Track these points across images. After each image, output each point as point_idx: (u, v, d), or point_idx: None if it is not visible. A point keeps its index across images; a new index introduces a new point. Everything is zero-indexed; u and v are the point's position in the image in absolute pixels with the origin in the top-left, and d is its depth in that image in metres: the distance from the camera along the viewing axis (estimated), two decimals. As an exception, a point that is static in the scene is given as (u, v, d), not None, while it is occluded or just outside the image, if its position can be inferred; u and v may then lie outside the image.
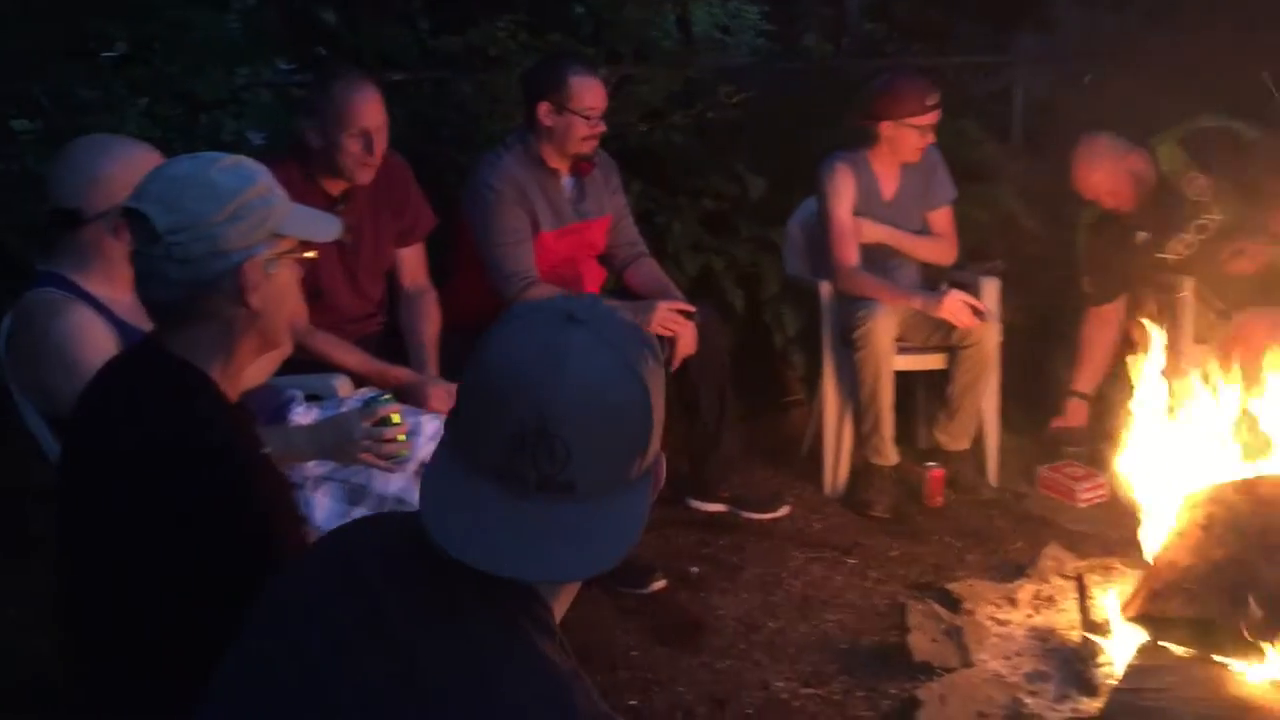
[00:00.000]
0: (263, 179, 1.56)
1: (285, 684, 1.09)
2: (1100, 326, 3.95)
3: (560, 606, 1.18)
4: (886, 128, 3.77)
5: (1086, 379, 3.97)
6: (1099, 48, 5.27)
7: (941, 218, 3.98)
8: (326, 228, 1.72)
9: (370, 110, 2.91)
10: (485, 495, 1.07)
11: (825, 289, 3.86)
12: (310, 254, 1.66)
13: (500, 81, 4.30)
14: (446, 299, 3.30)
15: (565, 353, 1.06)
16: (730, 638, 2.93)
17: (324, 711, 1.06)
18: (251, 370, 1.73)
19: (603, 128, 3.35)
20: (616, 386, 1.08)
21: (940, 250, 3.96)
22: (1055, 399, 4.02)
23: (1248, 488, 2.52)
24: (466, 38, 4.44)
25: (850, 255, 3.78)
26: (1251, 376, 3.04)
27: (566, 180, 3.46)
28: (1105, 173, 3.77)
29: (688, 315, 3.35)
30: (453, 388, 2.89)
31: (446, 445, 1.14)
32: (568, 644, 1.12)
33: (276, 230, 1.56)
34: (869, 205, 3.84)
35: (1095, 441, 3.72)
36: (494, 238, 3.31)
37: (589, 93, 3.26)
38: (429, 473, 1.13)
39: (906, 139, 3.77)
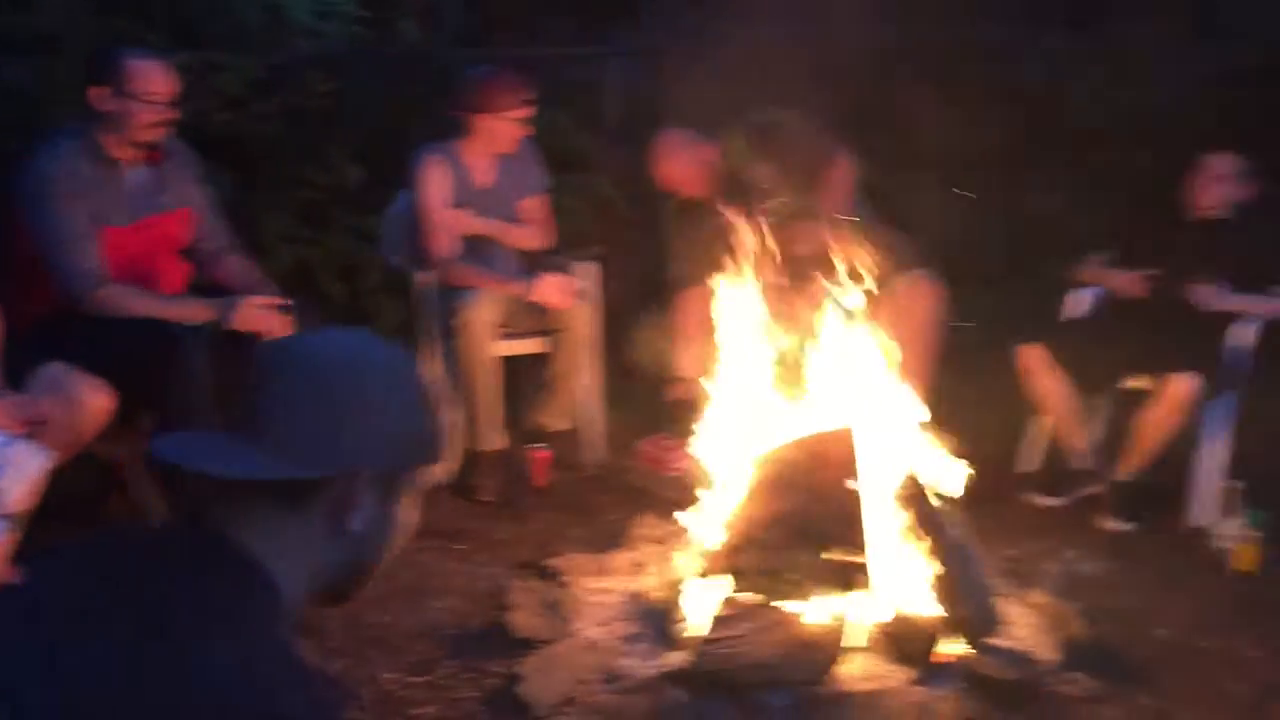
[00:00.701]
0: None
1: None
2: (690, 309, 4.19)
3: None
4: (482, 120, 3.81)
5: (687, 360, 4.20)
6: (683, 42, 5.60)
7: (534, 206, 4.08)
8: None
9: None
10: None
11: (422, 279, 3.86)
12: None
13: (60, 65, 3.94)
14: (4, 303, 2.99)
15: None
16: (340, 638, 2.87)
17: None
18: None
19: (172, 114, 3.15)
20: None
21: (534, 237, 4.07)
22: (659, 377, 4.22)
23: (802, 445, 2.78)
24: (21, 18, 4.04)
25: (444, 246, 3.80)
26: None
27: (137, 171, 3.23)
28: (679, 165, 4.02)
29: (284, 309, 3.23)
30: (22, 400, 2.65)
31: None
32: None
33: None
34: (464, 196, 3.88)
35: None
36: (54, 235, 3.03)
37: (150, 76, 3.05)
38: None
39: (502, 131, 3.83)
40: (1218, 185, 3.83)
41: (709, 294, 4.10)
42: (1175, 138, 4.09)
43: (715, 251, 4.11)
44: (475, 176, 3.91)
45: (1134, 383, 3.86)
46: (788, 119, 4.12)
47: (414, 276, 3.92)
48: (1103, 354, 3.85)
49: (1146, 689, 2.78)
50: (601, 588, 2.96)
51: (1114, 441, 3.94)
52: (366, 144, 4.56)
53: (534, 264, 4.13)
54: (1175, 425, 3.66)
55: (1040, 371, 3.86)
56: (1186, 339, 3.73)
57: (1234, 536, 3.52)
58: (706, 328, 4.09)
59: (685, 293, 4.15)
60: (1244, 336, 3.79)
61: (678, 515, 3.13)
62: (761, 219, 4.01)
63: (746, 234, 4.03)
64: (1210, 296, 3.77)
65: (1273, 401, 3.79)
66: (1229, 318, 3.80)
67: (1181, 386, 3.58)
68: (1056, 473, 3.99)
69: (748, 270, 4.04)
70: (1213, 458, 3.77)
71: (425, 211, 3.81)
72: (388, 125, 4.64)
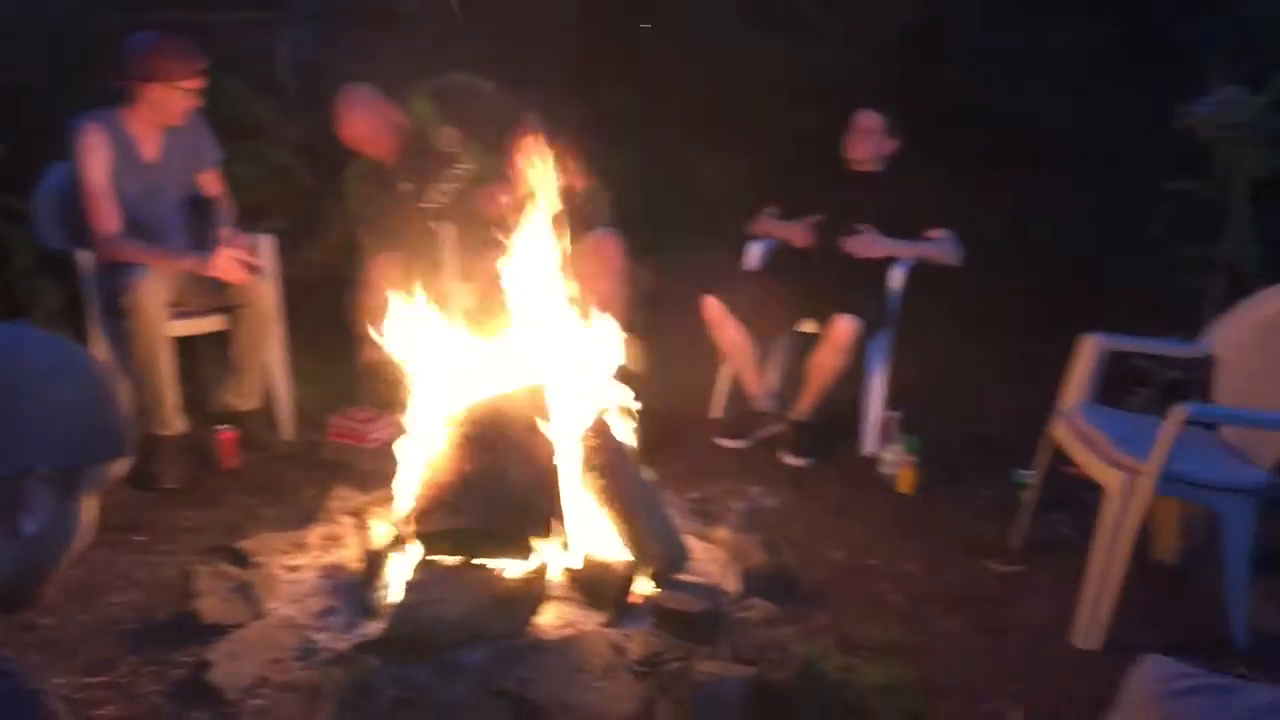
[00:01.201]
0: None
1: None
2: (378, 272, 4.12)
3: None
4: (151, 90, 3.58)
5: (374, 324, 4.12)
6: (359, 5, 5.47)
7: (211, 179, 3.89)
8: None
9: None
10: None
11: (85, 258, 3.60)
12: None
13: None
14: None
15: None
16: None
17: None
18: None
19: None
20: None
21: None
22: (349, 349, 4.13)
23: (490, 405, 2.80)
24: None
25: (109, 222, 3.56)
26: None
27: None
28: (364, 122, 3.93)
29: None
30: None
31: None
32: None
33: None
34: (128, 169, 3.64)
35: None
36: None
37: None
38: None
39: (172, 102, 3.62)
40: (866, 139, 4.14)
41: (398, 257, 4.09)
42: (840, 98, 4.36)
43: (403, 214, 4.08)
44: (142, 149, 3.67)
45: (805, 328, 4.14)
46: (473, 81, 4.12)
47: (76, 257, 3.65)
48: (774, 302, 4.10)
49: (820, 607, 3.01)
50: (295, 565, 2.88)
51: (792, 384, 4.21)
52: (6, 117, 4.15)
53: (208, 238, 3.93)
54: (841, 365, 3.95)
55: (721, 321, 4.06)
56: (847, 284, 4.03)
57: (895, 462, 3.86)
58: (397, 291, 4.07)
59: (374, 257, 4.09)
60: (894, 279, 4.13)
61: (375, 485, 3.10)
62: (449, 181, 4.02)
63: (434, 195, 4.03)
64: (862, 244, 4.08)
65: (923, 337, 4.16)
66: (885, 262, 4.13)
67: (842, 328, 3.87)
68: (739, 416, 4.23)
69: (436, 232, 4.05)
70: (874, 392, 4.11)
71: (86, 186, 3.54)
72: (31, 96, 4.25)
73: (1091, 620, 2.94)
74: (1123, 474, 2.91)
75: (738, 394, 4.31)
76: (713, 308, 4.06)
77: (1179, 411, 2.80)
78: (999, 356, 4.76)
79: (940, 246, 4.11)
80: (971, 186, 4.16)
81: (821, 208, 4.20)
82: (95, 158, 3.57)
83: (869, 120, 4.12)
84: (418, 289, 3.41)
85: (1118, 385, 3.81)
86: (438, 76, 4.13)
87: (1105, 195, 5.30)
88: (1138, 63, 5.66)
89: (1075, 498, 3.61)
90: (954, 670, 2.79)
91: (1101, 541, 2.94)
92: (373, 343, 4.02)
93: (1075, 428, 3.20)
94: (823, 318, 3.96)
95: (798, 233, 4.20)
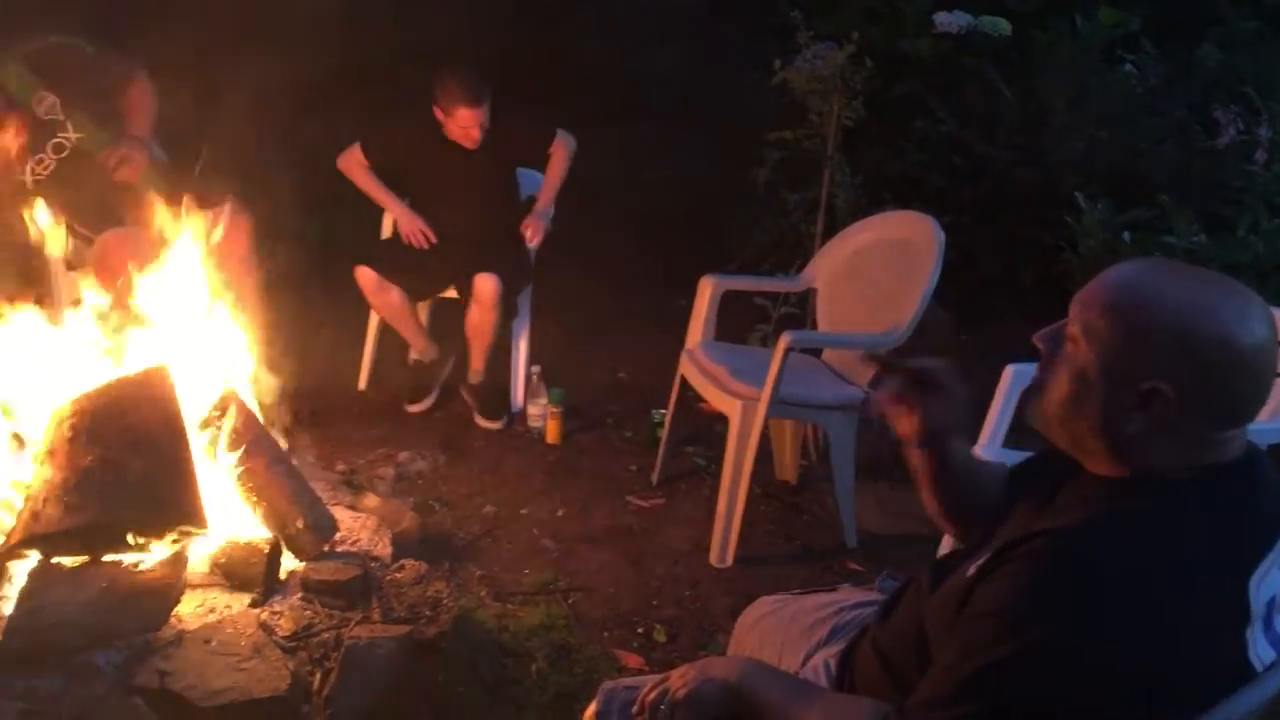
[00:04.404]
0: None
1: None
2: None
3: None
4: None
5: None
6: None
7: None
8: None
9: None
10: None
11: None
12: None
13: None
14: None
15: None
16: None
17: None
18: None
19: None
20: None
21: None
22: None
23: (104, 392, 2.64)
24: None
25: None
26: (118, 296, 3.17)
27: None
28: None
29: None
30: None
31: None
32: None
33: None
34: None
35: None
36: None
37: None
38: None
39: None
40: (473, 132, 4.08)
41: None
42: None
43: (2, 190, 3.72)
44: None
45: (449, 293, 4.16)
46: (75, 44, 3.80)
47: None
48: (417, 266, 4.09)
49: (474, 561, 3.09)
50: (-113, 588, 2.60)
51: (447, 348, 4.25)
52: None
53: None
54: (492, 322, 4.01)
55: (376, 288, 4.02)
56: (485, 245, 4.08)
57: (541, 415, 3.98)
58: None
59: None
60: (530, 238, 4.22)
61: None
62: (50, 154, 3.71)
63: (35, 168, 3.71)
64: (533, 229, 4.14)
65: (560, 293, 4.30)
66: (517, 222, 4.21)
67: (486, 286, 3.92)
68: (416, 379, 4.22)
69: (33, 210, 3.73)
70: (519, 349, 4.21)
71: None
72: None
73: (723, 540, 3.18)
74: (740, 402, 3.16)
75: (390, 364, 4.31)
76: (366, 276, 4.01)
77: (784, 339, 3.07)
78: (632, 306, 5.00)
79: (562, 157, 4.22)
80: (592, 142, 4.29)
81: (429, 176, 4.19)
82: None
83: (472, 118, 4.01)
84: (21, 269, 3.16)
85: (745, 324, 4.12)
86: (32, 39, 3.78)
87: (717, 148, 5.66)
88: (734, 22, 6.06)
89: (708, 431, 3.88)
90: (604, 602, 2.95)
91: (727, 467, 3.19)
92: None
93: (699, 364, 3.43)
94: (464, 280, 4.00)
95: (404, 224, 4.17)
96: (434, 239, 4.11)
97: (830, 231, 3.97)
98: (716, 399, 3.30)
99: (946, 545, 2.73)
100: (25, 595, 2.41)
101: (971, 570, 1.34)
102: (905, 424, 1.62)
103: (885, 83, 4.51)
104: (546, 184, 4.24)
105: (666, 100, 6.32)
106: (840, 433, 3.27)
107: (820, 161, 4.27)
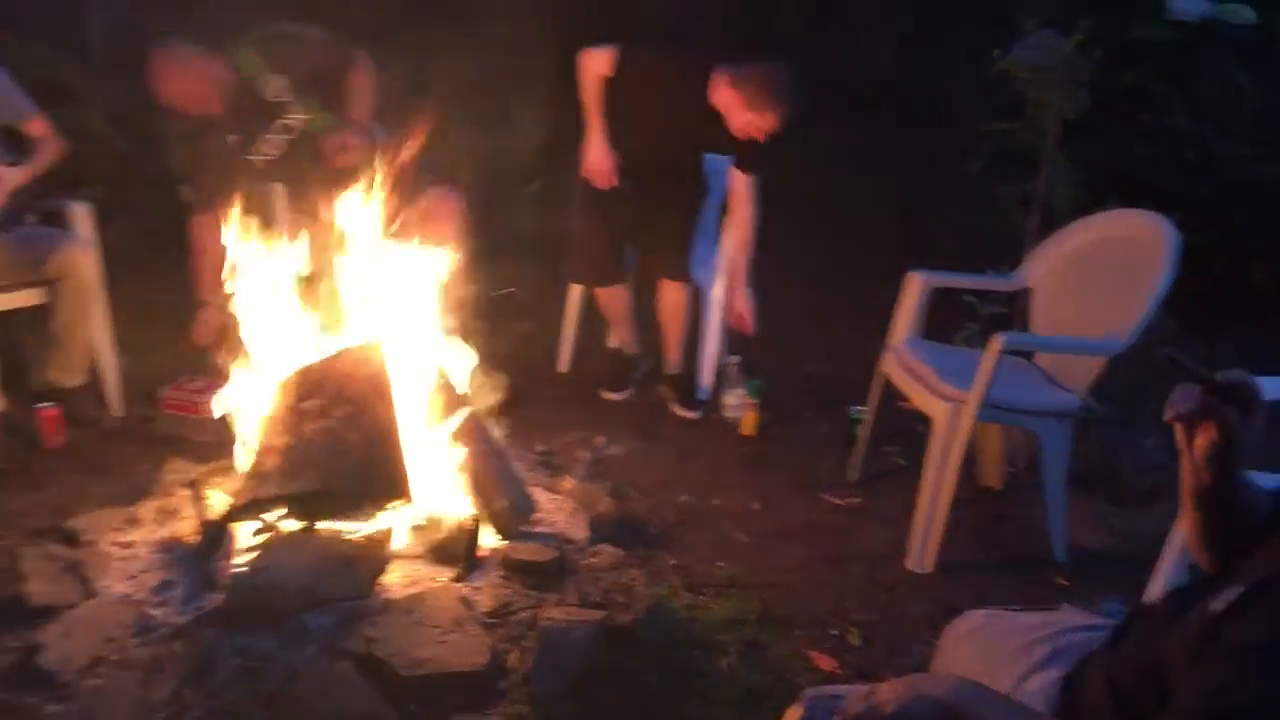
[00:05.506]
0: None
1: None
2: (208, 233, 3.96)
3: None
4: None
5: (209, 286, 3.99)
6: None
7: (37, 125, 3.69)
8: None
9: None
10: None
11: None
12: None
13: None
14: None
15: None
16: None
17: None
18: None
19: None
20: None
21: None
22: (181, 316, 3.99)
23: (325, 366, 2.75)
24: None
25: None
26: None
27: None
28: (184, 79, 3.76)
29: None
30: None
31: None
32: None
33: None
34: None
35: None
36: None
37: None
38: None
39: None
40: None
41: (225, 216, 3.95)
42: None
43: (231, 170, 3.94)
44: None
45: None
46: (301, 30, 3.98)
47: None
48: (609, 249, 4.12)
49: (667, 549, 3.08)
50: (128, 541, 2.78)
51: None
52: None
53: (22, 205, 3.75)
54: (681, 313, 4.03)
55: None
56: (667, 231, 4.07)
57: (737, 405, 3.95)
58: (223, 250, 3.93)
59: (201, 217, 3.94)
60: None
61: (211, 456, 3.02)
62: (279, 135, 3.90)
63: (264, 148, 3.91)
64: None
65: (758, 283, 4.24)
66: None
67: (673, 294, 3.98)
68: (615, 368, 4.27)
69: (266, 187, 3.93)
70: (714, 340, 4.19)
71: None
72: None
73: (923, 545, 3.08)
74: (947, 404, 3.04)
75: (586, 348, 4.36)
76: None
77: (996, 341, 2.94)
78: (825, 297, 4.90)
79: (747, 202, 4.01)
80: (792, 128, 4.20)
81: (642, 120, 3.95)
82: None
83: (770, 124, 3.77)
84: (249, 247, 3.31)
85: (949, 322, 3.98)
86: (262, 25, 3.98)
87: (922, 137, 5.49)
88: (947, 8, 5.85)
89: (908, 430, 3.76)
90: (796, 600, 2.89)
91: (929, 470, 3.08)
92: (204, 303, 3.95)
93: (903, 362, 3.33)
94: (646, 266, 4.02)
95: (596, 156, 3.97)
96: (614, 184, 3.98)
97: (1045, 229, 3.79)
98: (921, 399, 3.19)
99: (1163, 570, 2.57)
100: (252, 556, 2.54)
101: (1220, 605, 1.24)
102: (1204, 439, 1.42)
103: (1113, 73, 4.26)
104: (738, 241, 4.03)
105: (870, 88, 6.16)
106: (1053, 440, 3.11)
107: (1037, 155, 4.08)
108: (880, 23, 6.47)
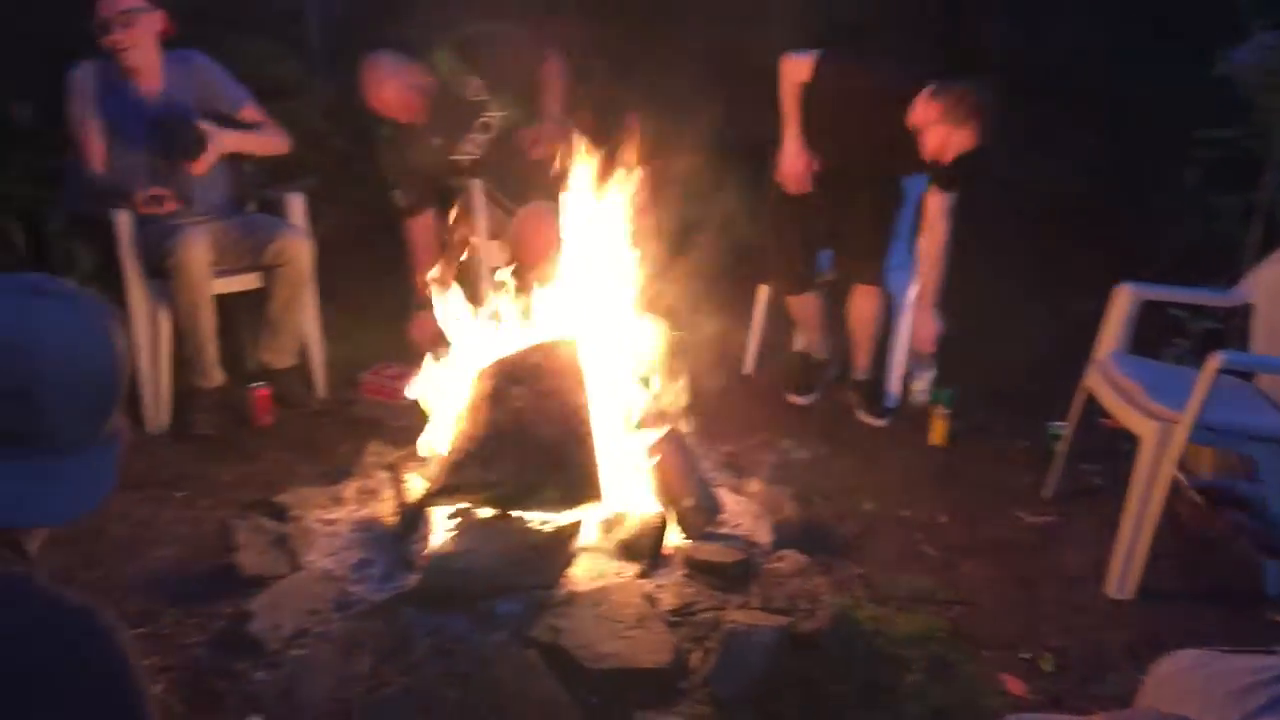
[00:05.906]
0: None
1: None
2: (422, 235, 4.12)
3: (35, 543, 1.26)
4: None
5: (424, 285, 4.13)
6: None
7: (252, 113, 3.91)
8: None
9: None
10: None
11: (123, 220, 3.63)
12: None
13: None
14: None
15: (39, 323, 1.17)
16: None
17: None
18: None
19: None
20: (93, 353, 1.21)
21: (275, 140, 3.95)
22: (391, 308, 4.15)
23: (522, 359, 2.81)
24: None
25: (92, 159, 3.67)
26: (534, 267, 3.36)
27: None
28: (391, 90, 3.92)
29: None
30: None
31: None
32: None
33: None
34: (123, 111, 3.71)
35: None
36: None
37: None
38: None
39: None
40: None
41: (436, 217, 4.09)
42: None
43: (437, 171, 4.08)
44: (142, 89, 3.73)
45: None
46: (495, 29, 4.09)
47: (114, 217, 3.66)
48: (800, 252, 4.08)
49: (852, 558, 3.03)
50: (331, 519, 2.92)
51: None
52: (32, 77, 4.14)
53: (245, 195, 3.97)
54: (872, 319, 3.97)
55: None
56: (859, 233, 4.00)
57: (924, 391, 3.87)
58: (437, 250, 4.08)
59: (414, 220, 4.09)
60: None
61: (408, 440, 3.13)
62: (480, 134, 4.01)
63: (466, 148, 4.03)
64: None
65: (952, 289, 4.13)
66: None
67: (866, 303, 3.91)
68: (804, 372, 4.24)
69: (471, 188, 4.04)
70: (903, 348, 4.10)
71: (70, 123, 3.67)
72: (58, 50, 4.23)
73: (1125, 570, 2.93)
74: (1158, 423, 2.89)
75: (776, 349, 4.34)
76: None
77: (1214, 360, 2.77)
78: (1019, 306, 4.73)
79: (941, 229, 3.93)
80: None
81: (841, 131, 3.88)
82: (77, 95, 3.69)
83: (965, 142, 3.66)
84: (456, 245, 3.43)
85: (1153, 336, 3.78)
86: (459, 27, 4.10)
87: (1129, 140, 5.22)
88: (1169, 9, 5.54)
89: (1109, 448, 3.60)
90: (986, 620, 2.80)
91: (1135, 491, 2.93)
92: (420, 301, 4.08)
93: (1110, 377, 3.18)
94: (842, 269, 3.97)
95: (791, 159, 3.92)
96: (808, 189, 3.93)
97: (1269, 242, 3.56)
98: (1127, 416, 3.04)
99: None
100: (448, 540, 2.63)
101: None
102: None
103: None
104: (928, 259, 3.92)
105: (1071, 87, 5.89)
106: (1273, 467, 2.91)
107: (1261, 163, 3.83)
108: (1090, 26, 6.19)
